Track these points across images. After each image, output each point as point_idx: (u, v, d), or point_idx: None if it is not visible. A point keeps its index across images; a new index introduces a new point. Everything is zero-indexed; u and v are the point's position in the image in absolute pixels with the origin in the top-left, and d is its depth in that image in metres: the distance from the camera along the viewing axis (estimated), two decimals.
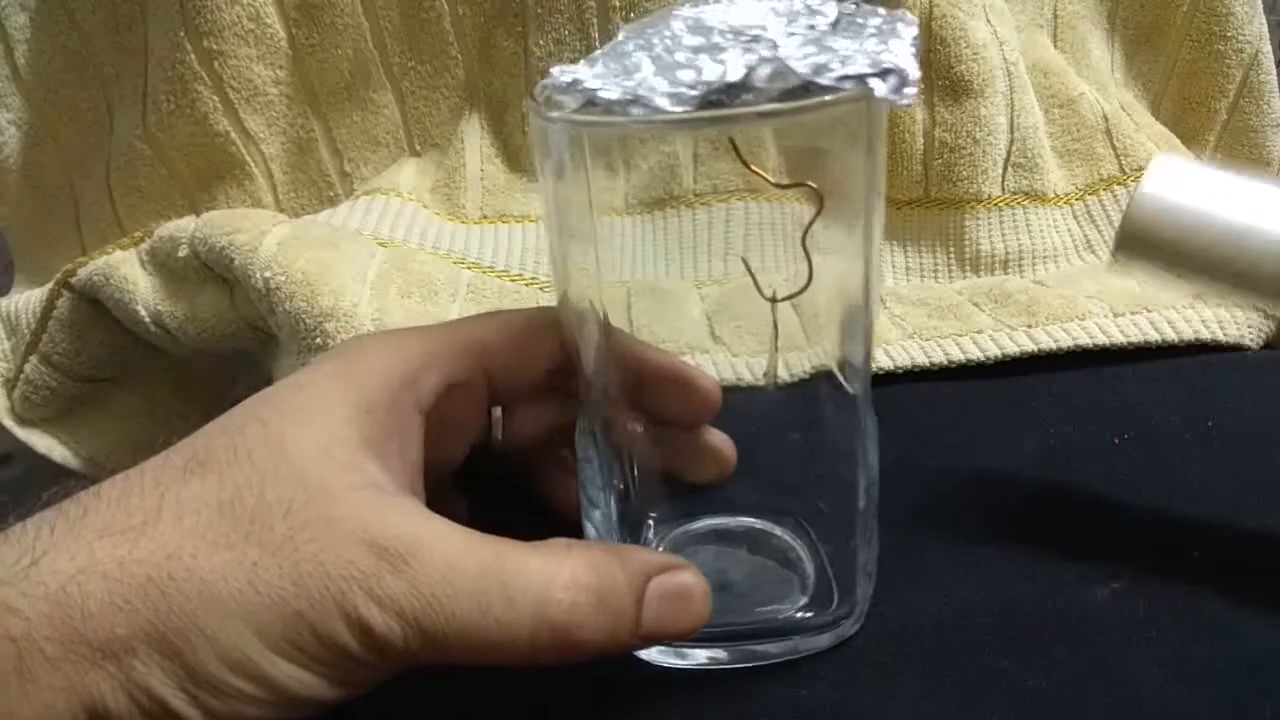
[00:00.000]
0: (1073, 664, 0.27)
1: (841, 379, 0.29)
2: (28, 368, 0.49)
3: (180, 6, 0.46)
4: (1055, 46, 0.55)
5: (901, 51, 0.22)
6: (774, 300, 0.27)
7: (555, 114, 0.23)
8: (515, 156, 0.51)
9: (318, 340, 0.39)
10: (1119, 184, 0.51)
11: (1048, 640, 0.28)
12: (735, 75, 0.22)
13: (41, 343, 0.48)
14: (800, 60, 0.22)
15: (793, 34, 0.22)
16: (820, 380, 0.29)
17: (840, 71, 0.22)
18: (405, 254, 0.45)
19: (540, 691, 0.27)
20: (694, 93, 0.21)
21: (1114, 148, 0.52)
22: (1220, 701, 0.26)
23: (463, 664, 0.23)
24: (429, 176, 0.51)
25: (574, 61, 0.51)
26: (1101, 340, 0.41)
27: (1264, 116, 0.59)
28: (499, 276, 0.47)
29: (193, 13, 0.46)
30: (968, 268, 0.49)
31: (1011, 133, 0.49)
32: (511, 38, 0.49)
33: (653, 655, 0.28)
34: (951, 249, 0.49)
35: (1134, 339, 0.41)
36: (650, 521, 0.31)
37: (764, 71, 0.22)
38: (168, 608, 0.21)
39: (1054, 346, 0.41)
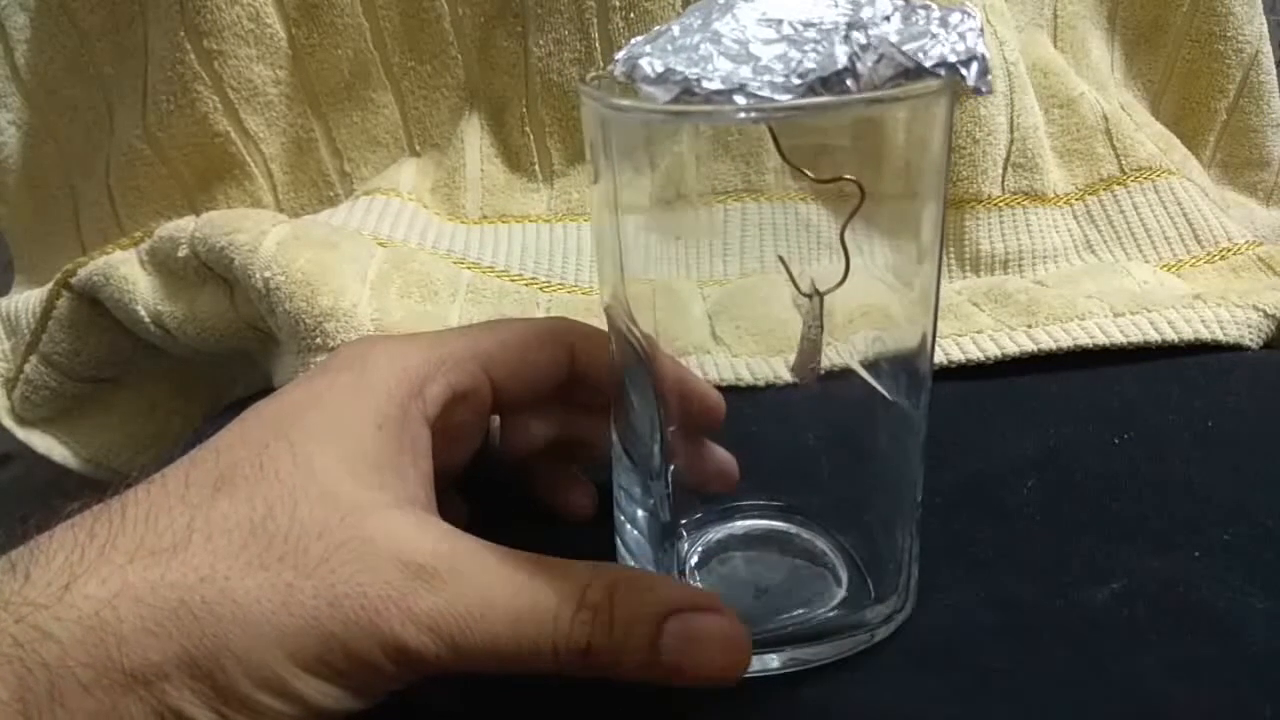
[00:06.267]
0: (1073, 664, 0.27)
1: (866, 375, 0.28)
2: (28, 368, 0.49)
3: (180, 6, 0.46)
4: (1055, 46, 0.55)
5: (978, 41, 0.22)
6: (816, 295, 0.27)
7: (655, 105, 0.21)
8: (515, 156, 0.51)
9: (318, 340, 0.39)
10: (1119, 184, 0.51)
11: (1048, 640, 0.28)
12: (842, 62, 0.21)
13: (41, 343, 0.48)
14: (904, 46, 0.22)
15: (879, 24, 0.22)
16: (850, 378, 0.29)
17: (936, 59, 0.22)
18: (405, 254, 0.45)
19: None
20: (799, 81, 0.21)
21: (1114, 148, 0.52)
22: (1220, 701, 0.26)
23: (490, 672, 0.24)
24: (429, 176, 0.51)
25: (575, 62, 0.51)
26: (1101, 340, 0.41)
27: (1264, 116, 0.59)
28: (499, 276, 0.47)
29: (193, 13, 0.46)
30: (968, 268, 0.49)
31: (1011, 133, 0.49)
32: (511, 38, 0.49)
33: None
34: (951, 249, 0.49)
35: (1134, 339, 0.41)
36: (683, 531, 0.31)
37: (870, 58, 0.21)
38: (200, 631, 0.21)
39: (1054, 346, 0.41)
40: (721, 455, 0.31)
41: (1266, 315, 0.43)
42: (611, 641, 0.23)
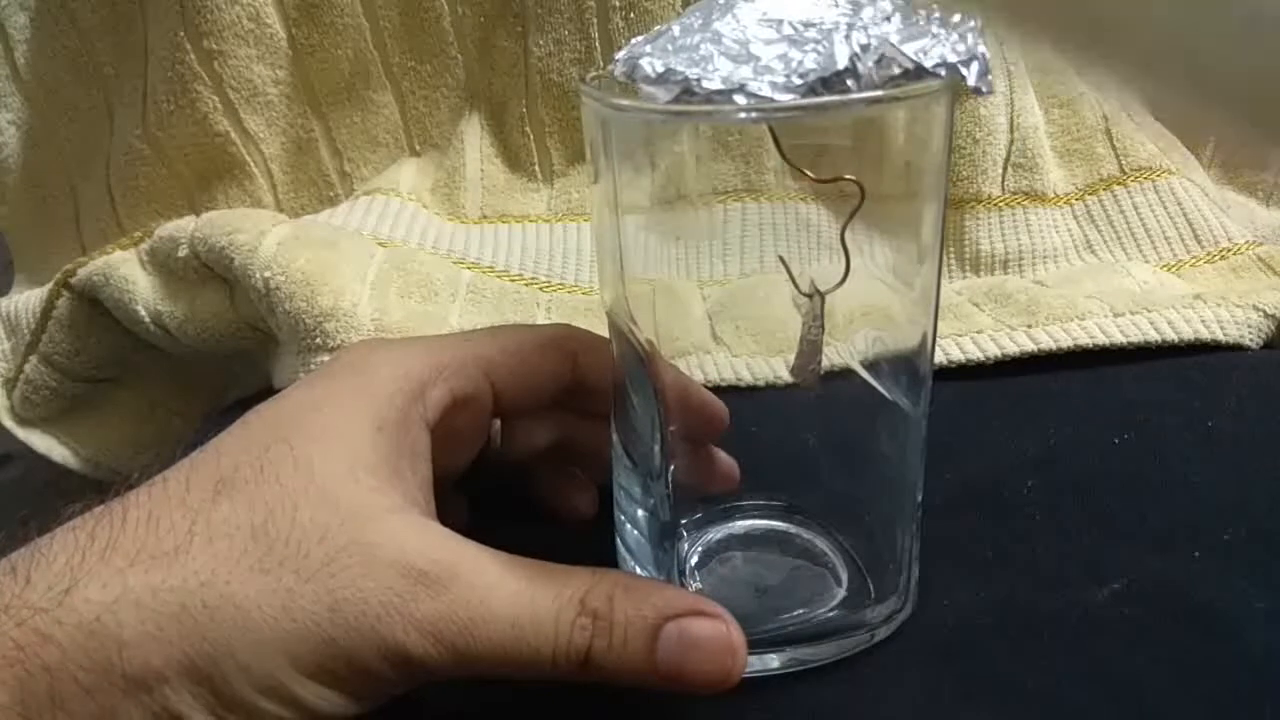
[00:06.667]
0: (1073, 664, 0.27)
1: (866, 375, 0.28)
2: (28, 368, 0.49)
3: (180, 6, 0.46)
4: None
5: (978, 41, 0.22)
6: (816, 294, 0.27)
7: (655, 105, 0.21)
8: (515, 156, 0.51)
9: (317, 340, 0.39)
10: (1119, 184, 0.51)
11: (1048, 640, 0.28)
12: (843, 62, 0.21)
13: (41, 343, 0.48)
14: (904, 46, 0.22)
15: (879, 24, 0.22)
16: (850, 378, 0.29)
17: (937, 59, 0.22)
18: (405, 254, 0.45)
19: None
20: (800, 81, 0.21)
21: (1114, 148, 0.52)
22: (1220, 701, 0.26)
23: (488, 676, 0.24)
24: (429, 176, 0.51)
25: (575, 62, 0.51)
26: (1101, 340, 0.41)
27: None
28: (499, 276, 0.47)
29: (193, 13, 0.46)
30: (968, 268, 0.49)
31: (1011, 133, 0.49)
32: (511, 38, 0.49)
33: None
34: (951, 249, 0.49)
35: (1134, 339, 0.41)
36: (683, 531, 0.31)
37: (871, 58, 0.21)
38: (201, 636, 0.21)
39: (1054, 346, 0.41)
40: (723, 460, 0.31)
41: (1266, 315, 0.43)
42: (610, 647, 0.23)
